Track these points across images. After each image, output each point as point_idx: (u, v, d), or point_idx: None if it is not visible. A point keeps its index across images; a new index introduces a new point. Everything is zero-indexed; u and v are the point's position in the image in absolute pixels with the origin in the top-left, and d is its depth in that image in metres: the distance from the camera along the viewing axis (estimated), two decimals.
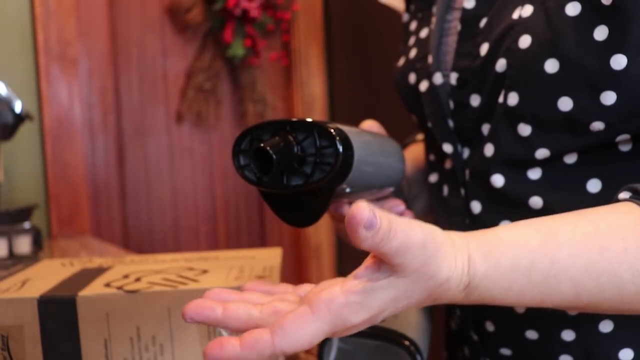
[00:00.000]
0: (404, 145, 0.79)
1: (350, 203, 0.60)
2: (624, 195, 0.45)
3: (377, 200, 0.62)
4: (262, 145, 0.45)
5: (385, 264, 0.37)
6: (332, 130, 0.46)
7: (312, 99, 2.17)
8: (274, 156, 0.45)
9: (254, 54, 2.07)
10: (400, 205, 0.62)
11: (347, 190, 0.51)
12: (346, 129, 0.48)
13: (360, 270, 0.38)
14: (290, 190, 0.48)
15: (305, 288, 0.42)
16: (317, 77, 2.17)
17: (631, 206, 0.44)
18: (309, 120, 0.47)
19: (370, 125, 0.64)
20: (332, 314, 0.36)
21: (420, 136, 0.80)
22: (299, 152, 0.46)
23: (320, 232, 2.16)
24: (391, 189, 0.62)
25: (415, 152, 0.77)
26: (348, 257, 2.16)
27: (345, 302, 0.36)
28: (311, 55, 2.16)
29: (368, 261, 0.38)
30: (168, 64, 2.03)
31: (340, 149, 0.46)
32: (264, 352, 0.35)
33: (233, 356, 0.34)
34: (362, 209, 0.34)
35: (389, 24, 1.79)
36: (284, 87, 2.20)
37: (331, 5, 2.17)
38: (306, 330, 0.35)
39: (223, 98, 2.10)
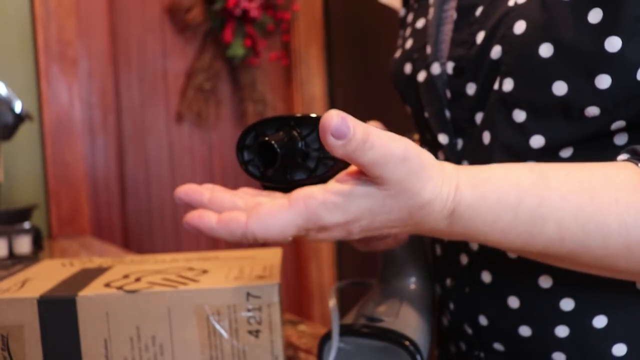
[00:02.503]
0: None
1: None
2: (622, 156, 0.46)
3: None
4: (267, 139, 0.45)
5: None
6: None
7: (312, 99, 2.17)
8: (279, 150, 0.45)
9: (254, 54, 2.07)
10: None
11: None
12: None
13: (343, 174, 0.39)
14: (293, 185, 0.48)
15: None
16: (317, 77, 2.17)
17: (628, 164, 0.44)
18: (314, 115, 0.47)
19: (374, 125, 0.64)
20: (307, 209, 0.37)
21: (416, 136, 0.80)
22: (303, 147, 0.47)
23: None
24: None
25: None
26: (348, 257, 2.16)
27: (323, 200, 0.37)
28: (311, 55, 2.16)
29: (352, 168, 0.39)
30: (168, 64, 2.03)
31: None
32: (236, 232, 0.36)
33: (208, 228, 0.37)
34: (330, 117, 0.35)
35: (389, 24, 1.79)
36: (284, 87, 2.20)
37: (331, 5, 2.17)
38: (279, 219, 0.36)
39: (223, 98, 2.10)
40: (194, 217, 0.37)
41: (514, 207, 0.41)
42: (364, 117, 0.72)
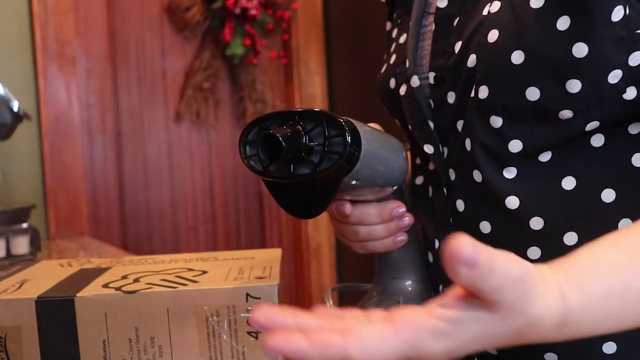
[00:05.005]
0: None
1: (352, 201, 0.60)
2: None
3: (379, 201, 0.61)
4: (271, 131, 0.45)
5: (476, 297, 0.34)
6: (341, 120, 0.47)
7: (311, 98, 2.16)
8: (284, 143, 0.45)
9: (253, 53, 2.07)
10: (401, 207, 0.62)
11: (352, 182, 0.51)
12: (353, 121, 0.49)
13: (449, 298, 0.35)
14: (296, 180, 0.48)
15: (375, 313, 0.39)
16: (317, 76, 2.17)
17: None
18: (317, 110, 0.48)
19: (374, 126, 0.64)
20: (414, 335, 0.33)
21: (408, 145, 0.81)
22: (307, 142, 0.47)
23: (320, 232, 2.15)
24: (392, 189, 0.61)
25: None
26: (348, 257, 2.16)
27: (432, 326, 0.34)
28: (311, 54, 2.15)
29: (457, 290, 0.36)
30: (167, 63, 2.02)
31: (349, 139, 0.46)
32: (332, 357, 0.32)
33: (299, 352, 0.32)
34: (464, 245, 0.32)
35: None
36: (283, 86, 2.20)
37: (331, 4, 2.17)
38: (383, 346, 0.33)
39: (222, 97, 2.09)
40: (280, 341, 0.32)
41: (621, 293, 0.39)
42: (363, 116, 0.71)
